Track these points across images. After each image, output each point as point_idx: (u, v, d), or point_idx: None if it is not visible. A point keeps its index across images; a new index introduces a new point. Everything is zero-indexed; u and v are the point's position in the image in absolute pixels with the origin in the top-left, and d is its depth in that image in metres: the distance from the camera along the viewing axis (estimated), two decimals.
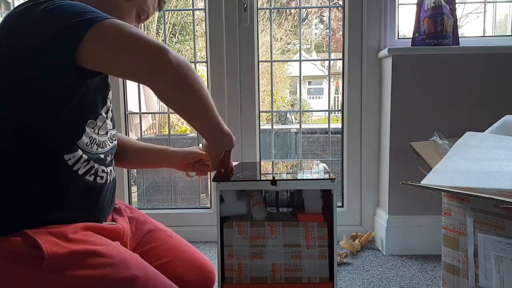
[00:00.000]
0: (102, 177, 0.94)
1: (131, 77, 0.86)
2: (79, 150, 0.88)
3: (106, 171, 0.96)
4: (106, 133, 0.97)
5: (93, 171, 0.92)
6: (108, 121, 0.98)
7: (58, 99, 0.84)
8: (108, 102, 0.98)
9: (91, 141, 0.91)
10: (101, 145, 0.94)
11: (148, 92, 3.00)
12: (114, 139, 1.03)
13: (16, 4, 2.46)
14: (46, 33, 0.79)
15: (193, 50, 2.30)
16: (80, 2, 0.86)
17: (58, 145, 0.86)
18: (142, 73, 0.82)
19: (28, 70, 0.80)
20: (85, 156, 0.89)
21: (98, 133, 0.93)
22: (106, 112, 0.96)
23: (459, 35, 1.87)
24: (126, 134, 2.17)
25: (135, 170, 2.87)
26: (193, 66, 2.32)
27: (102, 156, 0.94)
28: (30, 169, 0.85)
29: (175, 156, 1.21)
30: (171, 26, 7.59)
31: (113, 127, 1.04)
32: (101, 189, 0.95)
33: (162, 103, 4.73)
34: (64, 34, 0.78)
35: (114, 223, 1.00)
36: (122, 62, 0.81)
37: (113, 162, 1.03)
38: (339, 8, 2.26)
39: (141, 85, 2.46)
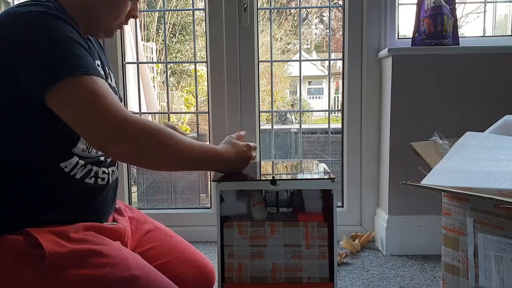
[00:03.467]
0: (103, 179, 0.94)
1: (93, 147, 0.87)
2: (75, 156, 0.88)
3: (107, 172, 0.96)
4: None
5: (92, 173, 0.92)
6: None
7: (42, 112, 0.82)
8: None
9: (89, 146, 0.90)
10: None
11: (148, 92, 3.00)
12: None
13: (16, 4, 2.46)
14: (27, 57, 0.78)
15: (193, 50, 2.29)
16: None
17: (53, 155, 0.86)
18: (99, 147, 0.83)
19: (15, 79, 0.80)
20: (81, 162, 0.89)
21: None
22: None
23: (459, 35, 1.87)
24: None
25: (135, 170, 2.87)
26: (194, 66, 2.30)
27: (102, 158, 0.94)
28: (28, 177, 0.85)
29: None
30: (171, 26, 7.59)
31: None
32: (102, 190, 0.95)
33: (162, 103, 4.73)
34: (36, 74, 0.77)
35: (115, 223, 1.00)
36: (81, 131, 0.80)
37: (116, 162, 1.02)
38: (339, 8, 2.26)
39: (141, 85, 2.46)
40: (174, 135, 0.85)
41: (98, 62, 0.95)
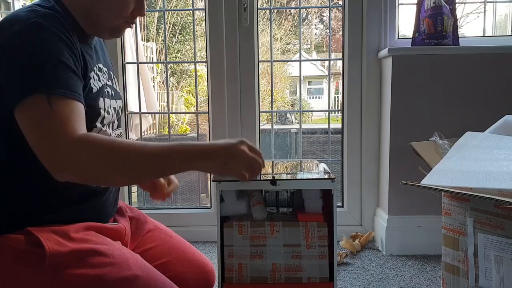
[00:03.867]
0: None
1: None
2: None
3: None
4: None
5: None
6: (108, 128, 0.95)
7: None
8: (103, 112, 0.92)
9: None
10: None
11: (148, 92, 3.00)
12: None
13: (16, 4, 2.46)
14: (9, 61, 0.78)
15: (193, 50, 2.30)
16: None
17: None
18: (51, 170, 0.76)
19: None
20: None
21: None
22: (102, 121, 0.92)
23: (459, 35, 1.87)
24: (126, 134, 2.17)
25: None
26: (194, 66, 2.30)
27: None
28: (29, 178, 0.85)
29: None
30: (171, 26, 7.59)
31: (119, 126, 1.03)
32: (104, 193, 0.95)
33: (162, 103, 4.74)
34: (12, 86, 0.77)
35: (116, 223, 1.00)
36: (36, 150, 0.76)
37: None
38: (339, 8, 2.27)
39: (141, 85, 2.46)
40: (128, 146, 0.78)
41: (99, 66, 0.95)
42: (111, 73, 1.03)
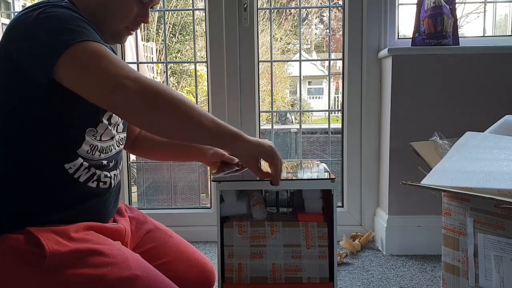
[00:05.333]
0: (105, 182, 0.94)
1: (101, 105, 0.84)
2: (80, 158, 0.88)
3: (109, 175, 0.96)
4: (112, 138, 0.96)
5: (95, 177, 0.92)
6: (113, 129, 0.96)
7: (45, 108, 0.84)
8: None
9: (92, 148, 0.90)
10: (104, 151, 0.93)
11: None
12: (122, 143, 1.02)
13: (16, 4, 2.46)
14: (31, 43, 0.79)
15: (193, 50, 2.30)
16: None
17: (57, 155, 0.86)
18: (109, 106, 0.82)
19: (18, 75, 0.82)
20: (86, 164, 0.89)
21: (100, 140, 0.92)
22: (109, 119, 0.93)
23: (459, 35, 1.87)
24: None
25: (135, 170, 2.87)
26: (194, 66, 2.30)
27: (105, 162, 0.94)
28: (31, 177, 0.85)
29: (206, 151, 1.17)
30: (171, 26, 7.59)
31: (123, 130, 1.04)
32: (104, 194, 0.95)
33: None
34: (43, 51, 0.79)
35: (116, 223, 1.00)
36: (92, 93, 0.80)
37: (119, 165, 1.02)
38: (339, 8, 2.26)
39: None
40: (184, 97, 0.83)
41: None
42: None
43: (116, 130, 0.99)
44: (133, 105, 0.79)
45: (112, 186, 0.97)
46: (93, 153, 0.90)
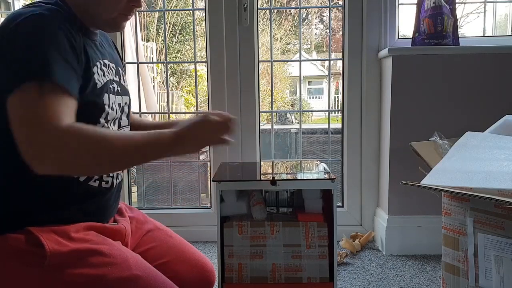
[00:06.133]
0: (107, 182, 0.94)
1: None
2: None
3: (112, 174, 0.95)
4: None
5: (96, 176, 0.92)
6: (111, 125, 0.95)
7: None
8: (107, 108, 0.92)
9: None
10: None
11: (148, 93, 3.01)
12: None
13: (16, 4, 2.46)
14: (7, 51, 0.79)
15: (193, 50, 2.30)
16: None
17: None
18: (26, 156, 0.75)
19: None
20: None
21: None
22: (106, 117, 0.92)
23: (459, 35, 1.87)
24: None
25: (135, 170, 2.87)
26: (194, 66, 2.29)
27: None
28: (31, 177, 0.84)
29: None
30: (171, 26, 7.59)
31: (128, 124, 1.03)
32: (106, 193, 0.95)
33: (162, 103, 4.75)
34: (9, 72, 0.77)
35: (116, 223, 1.00)
36: (17, 137, 0.75)
37: None
38: (339, 8, 2.27)
39: (141, 85, 2.46)
40: (105, 136, 0.78)
41: (105, 61, 0.95)
42: (120, 69, 1.03)
43: (117, 125, 0.98)
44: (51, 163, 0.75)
45: (114, 185, 0.97)
46: None
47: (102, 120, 0.91)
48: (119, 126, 0.99)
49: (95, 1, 0.90)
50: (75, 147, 0.74)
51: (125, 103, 1.02)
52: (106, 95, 0.91)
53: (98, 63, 0.91)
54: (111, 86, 0.94)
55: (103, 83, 0.91)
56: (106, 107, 0.91)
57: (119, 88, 0.99)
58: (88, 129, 0.77)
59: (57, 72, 0.78)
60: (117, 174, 0.98)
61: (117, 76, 0.99)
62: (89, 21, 0.92)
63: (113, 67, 0.98)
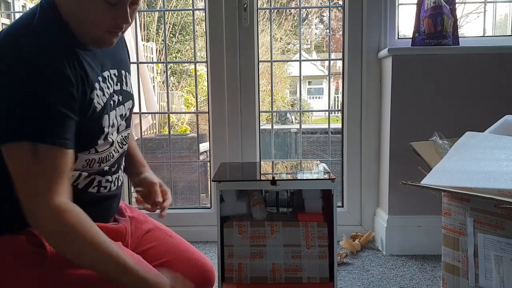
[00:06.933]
0: (105, 187, 0.94)
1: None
2: (76, 171, 0.86)
3: (111, 179, 0.95)
4: (111, 145, 0.92)
5: (95, 183, 0.91)
6: (109, 136, 0.92)
7: None
8: (106, 129, 0.90)
9: (89, 162, 0.88)
10: (103, 160, 0.91)
11: (148, 92, 3.00)
12: (125, 142, 1.00)
13: (16, 4, 2.46)
14: None
15: (193, 50, 2.30)
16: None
17: None
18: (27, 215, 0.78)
19: None
20: (85, 173, 0.88)
21: (96, 152, 0.89)
22: (105, 138, 0.90)
23: (459, 35, 1.87)
24: None
25: None
26: (194, 66, 2.29)
27: (106, 168, 0.93)
28: None
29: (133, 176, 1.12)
30: (171, 26, 7.59)
31: (127, 127, 1.01)
32: (105, 198, 0.95)
33: (162, 103, 4.74)
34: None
35: (117, 223, 1.00)
36: (20, 197, 0.77)
37: (122, 166, 1.01)
38: (339, 8, 2.27)
39: (141, 85, 2.46)
40: (91, 240, 0.79)
41: (104, 74, 0.91)
42: (123, 72, 0.98)
43: (117, 131, 0.96)
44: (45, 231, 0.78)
45: (113, 189, 0.96)
46: (91, 165, 0.89)
47: (100, 142, 0.89)
48: (118, 132, 0.97)
49: (78, 18, 0.83)
50: (61, 230, 0.77)
51: (128, 109, 1.00)
52: (106, 116, 0.89)
53: (97, 84, 0.87)
54: (110, 102, 0.91)
55: (103, 104, 0.88)
56: (106, 129, 0.89)
57: (120, 98, 0.95)
58: (73, 220, 0.78)
59: (51, 128, 0.77)
60: (117, 178, 0.98)
61: (118, 84, 0.95)
62: (82, 37, 0.86)
63: (114, 74, 0.94)
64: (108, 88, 0.91)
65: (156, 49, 6.33)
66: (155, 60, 5.53)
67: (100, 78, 0.89)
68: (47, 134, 0.76)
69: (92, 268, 0.80)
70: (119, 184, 1.00)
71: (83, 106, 0.83)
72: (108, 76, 0.92)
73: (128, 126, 1.03)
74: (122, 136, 0.98)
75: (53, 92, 0.77)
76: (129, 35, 2.47)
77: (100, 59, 0.91)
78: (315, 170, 1.27)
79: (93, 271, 0.81)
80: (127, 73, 1.01)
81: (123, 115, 0.98)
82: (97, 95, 0.87)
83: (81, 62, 0.83)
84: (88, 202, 0.90)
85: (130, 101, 1.02)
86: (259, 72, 2.10)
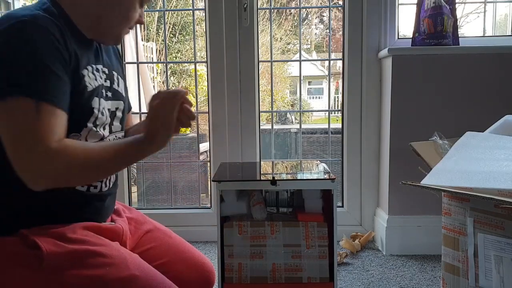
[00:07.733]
0: (95, 186, 0.93)
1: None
2: None
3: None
4: (101, 139, 0.93)
5: None
6: (100, 130, 0.93)
7: None
8: (96, 111, 0.90)
9: None
10: None
11: (148, 92, 3.01)
12: None
13: (16, 4, 2.46)
14: None
15: (193, 50, 2.30)
16: None
17: None
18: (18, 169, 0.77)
19: None
20: None
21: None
22: (94, 121, 0.90)
23: (459, 35, 1.87)
24: None
25: (135, 170, 2.87)
26: (194, 66, 2.30)
27: None
28: (20, 182, 0.83)
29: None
30: (171, 26, 7.58)
31: (121, 129, 1.02)
32: (97, 198, 0.94)
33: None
34: None
35: (113, 223, 1.00)
36: (12, 154, 0.77)
37: None
38: (339, 8, 2.27)
39: (141, 85, 2.46)
40: (98, 153, 0.82)
41: (97, 66, 0.93)
42: (114, 73, 1.01)
43: (108, 130, 0.96)
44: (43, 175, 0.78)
45: (104, 189, 0.96)
46: None
47: (90, 124, 0.89)
48: (110, 131, 0.97)
49: (115, 16, 0.91)
50: (65, 166, 0.78)
51: (117, 108, 1.00)
52: (96, 99, 0.90)
53: (89, 67, 0.90)
54: (101, 91, 0.93)
55: (94, 87, 0.89)
56: (96, 111, 0.90)
57: (110, 94, 0.97)
58: (75, 147, 0.80)
59: (50, 87, 0.78)
60: (107, 179, 0.97)
61: (108, 81, 0.97)
62: (95, 32, 0.92)
63: (105, 71, 0.97)
64: (100, 78, 0.94)
65: (156, 49, 6.33)
66: (155, 60, 5.54)
67: (92, 66, 0.92)
68: (49, 94, 0.78)
69: (114, 170, 0.92)
70: (111, 185, 0.99)
71: (73, 78, 0.85)
72: (100, 69, 0.95)
73: (122, 128, 1.03)
74: (116, 137, 0.99)
75: (50, 54, 0.80)
76: (129, 35, 2.48)
77: (95, 55, 0.95)
78: (315, 170, 1.27)
79: (118, 170, 0.92)
80: (119, 76, 1.03)
81: (112, 112, 0.98)
82: (88, 75, 0.89)
83: (73, 45, 0.86)
84: (79, 201, 0.90)
85: (121, 101, 1.02)
86: (259, 72, 2.10)
